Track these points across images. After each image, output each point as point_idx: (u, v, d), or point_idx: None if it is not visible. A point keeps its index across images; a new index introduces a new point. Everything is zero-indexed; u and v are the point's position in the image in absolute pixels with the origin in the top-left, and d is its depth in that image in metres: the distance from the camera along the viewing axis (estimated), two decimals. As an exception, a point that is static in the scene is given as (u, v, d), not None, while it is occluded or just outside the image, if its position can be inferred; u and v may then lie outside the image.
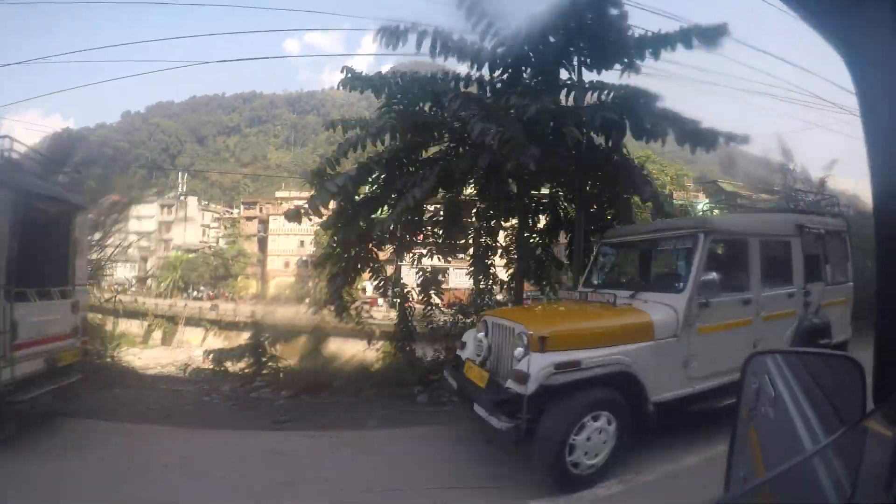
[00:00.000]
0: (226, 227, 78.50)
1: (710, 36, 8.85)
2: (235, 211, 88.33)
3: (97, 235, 14.09)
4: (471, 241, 12.89)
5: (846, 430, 1.67)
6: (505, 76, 10.46)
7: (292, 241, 70.87)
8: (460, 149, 10.65)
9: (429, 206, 12.48)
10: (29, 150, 8.71)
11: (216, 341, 34.95)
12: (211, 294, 65.11)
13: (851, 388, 1.71)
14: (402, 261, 13.19)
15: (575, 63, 10.24)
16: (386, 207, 10.63)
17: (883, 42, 1.39)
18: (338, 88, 10.79)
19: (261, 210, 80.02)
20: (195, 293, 65.85)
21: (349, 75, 10.54)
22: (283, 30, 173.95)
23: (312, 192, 9.26)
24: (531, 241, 12.46)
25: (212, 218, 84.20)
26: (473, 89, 10.88)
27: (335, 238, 11.18)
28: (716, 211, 51.34)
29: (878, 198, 1.53)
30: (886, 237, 1.60)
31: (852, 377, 1.73)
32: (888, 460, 1.40)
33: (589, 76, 10.31)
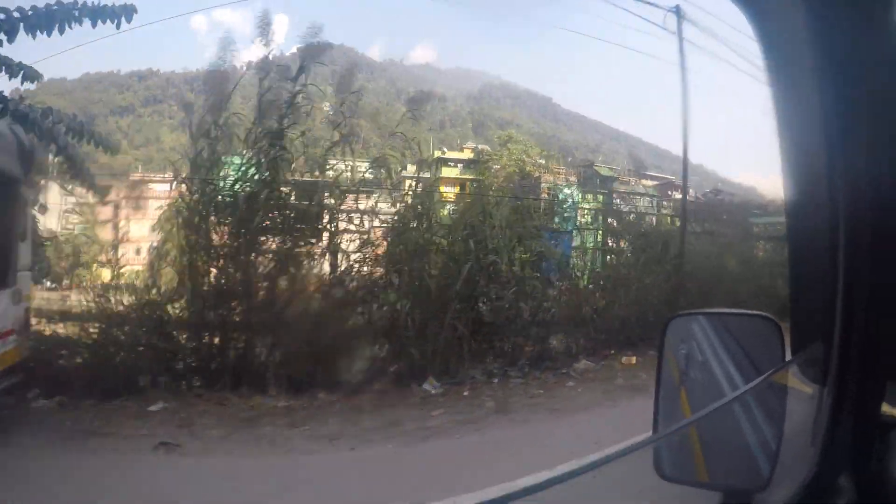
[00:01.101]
0: (81, 214, 76.38)
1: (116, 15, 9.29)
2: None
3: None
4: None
5: (765, 378, 1.84)
6: None
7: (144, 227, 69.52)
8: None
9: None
10: None
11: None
12: (62, 284, 62.14)
13: (770, 346, 1.85)
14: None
15: None
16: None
17: (794, 16, 1.47)
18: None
19: (117, 194, 76.87)
20: (49, 283, 62.93)
21: None
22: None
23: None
24: None
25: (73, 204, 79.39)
26: None
27: None
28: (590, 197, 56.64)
29: (789, 181, 1.66)
30: (794, 221, 1.78)
31: (770, 335, 1.86)
32: (811, 416, 1.62)
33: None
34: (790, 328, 1.81)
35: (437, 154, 59.88)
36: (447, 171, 57.17)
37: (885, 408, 1.57)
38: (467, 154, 57.64)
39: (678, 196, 61.96)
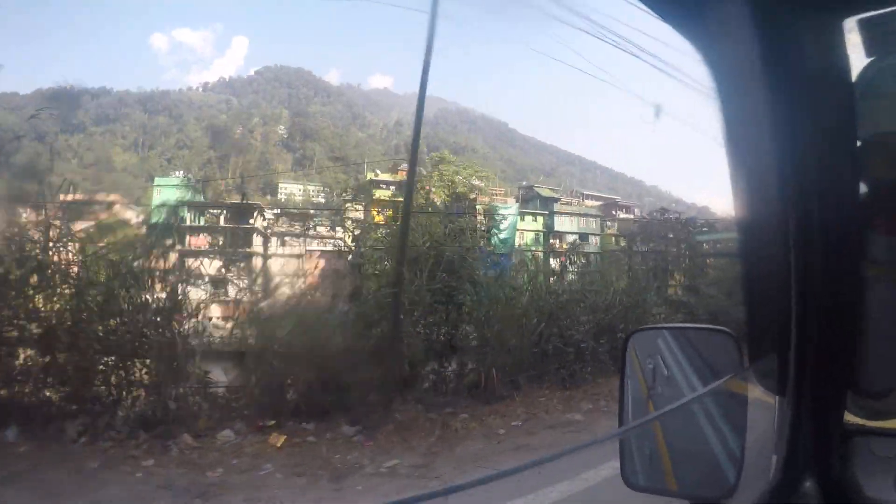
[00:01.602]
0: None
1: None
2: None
3: None
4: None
5: (722, 383, 1.94)
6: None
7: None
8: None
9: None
10: None
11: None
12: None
13: (730, 359, 1.93)
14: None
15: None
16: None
17: (738, 40, 1.51)
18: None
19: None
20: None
21: None
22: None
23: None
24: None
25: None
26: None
27: None
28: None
29: (739, 199, 1.69)
30: (746, 238, 1.83)
31: (729, 348, 1.95)
32: (772, 425, 1.69)
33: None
34: (747, 342, 1.86)
35: (371, 176, 60.15)
36: (380, 194, 57.52)
37: (848, 416, 1.63)
38: (401, 177, 58.15)
39: (623, 216, 63.40)
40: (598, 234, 65.64)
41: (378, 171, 63.79)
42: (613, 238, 65.27)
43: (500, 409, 12.52)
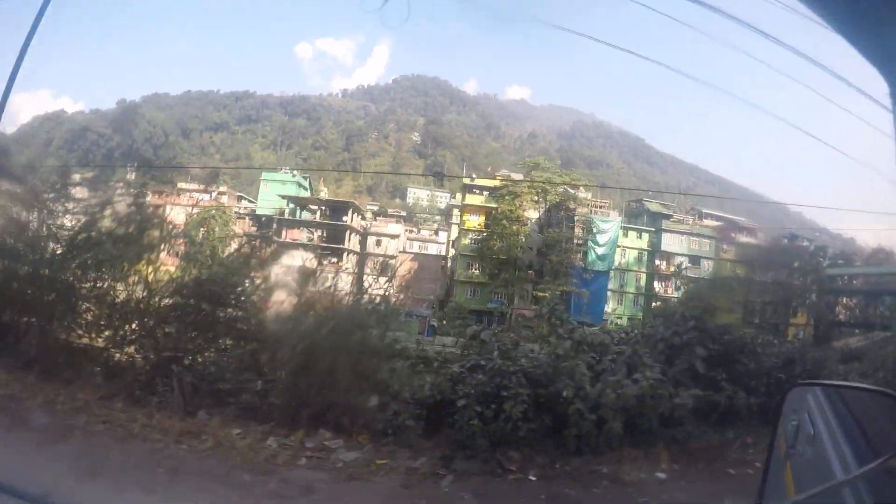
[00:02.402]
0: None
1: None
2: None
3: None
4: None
5: (881, 463, 1.70)
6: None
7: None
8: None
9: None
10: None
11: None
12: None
13: (891, 425, 1.81)
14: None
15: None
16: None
17: None
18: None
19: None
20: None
21: None
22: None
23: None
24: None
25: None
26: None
27: None
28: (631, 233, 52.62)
29: None
30: None
31: (892, 413, 1.83)
32: None
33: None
34: None
35: (466, 181, 58.26)
36: (472, 199, 55.41)
37: None
38: (499, 181, 55.96)
39: (745, 239, 58.04)
40: (711, 258, 60.56)
41: (474, 177, 61.95)
42: (729, 263, 60.05)
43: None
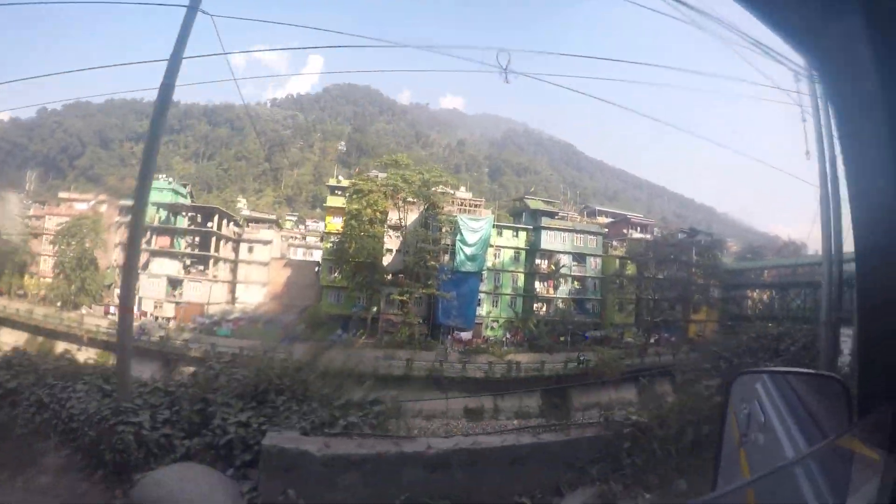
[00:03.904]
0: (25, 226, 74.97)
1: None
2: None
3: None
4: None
5: (829, 443, 1.79)
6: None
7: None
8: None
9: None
10: None
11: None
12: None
13: (836, 407, 1.78)
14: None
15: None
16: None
17: (856, 54, 1.45)
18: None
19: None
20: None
21: None
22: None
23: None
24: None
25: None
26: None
27: None
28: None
29: (860, 234, 1.60)
30: (865, 267, 1.67)
31: (837, 396, 1.80)
32: (876, 483, 1.49)
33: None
34: (857, 389, 1.72)
35: (332, 182, 55.88)
36: (333, 201, 53.12)
37: None
38: (356, 181, 53.75)
39: (638, 235, 56.68)
40: (599, 255, 59.10)
41: (340, 178, 59.71)
42: (618, 260, 58.65)
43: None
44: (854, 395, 1.71)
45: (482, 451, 5.77)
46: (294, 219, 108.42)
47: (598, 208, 78.27)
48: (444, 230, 51.56)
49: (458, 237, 51.00)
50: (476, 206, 59.16)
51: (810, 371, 3.25)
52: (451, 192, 56.83)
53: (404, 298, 47.13)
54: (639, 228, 64.32)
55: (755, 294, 65.98)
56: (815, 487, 1.67)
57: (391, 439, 6.04)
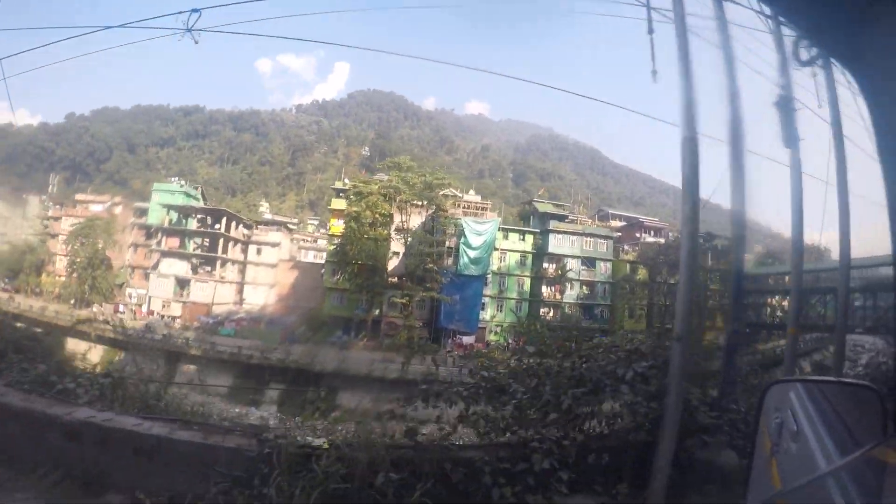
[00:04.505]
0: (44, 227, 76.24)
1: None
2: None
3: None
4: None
5: (863, 454, 1.75)
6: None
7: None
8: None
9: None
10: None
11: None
12: (6, 287, 63.44)
13: (870, 417, 1.79)
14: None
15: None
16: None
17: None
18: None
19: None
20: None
21: None
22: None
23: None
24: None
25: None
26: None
27: None
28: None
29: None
30: None
31: (871, 405, 1.81)
32: None
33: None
34: (893, 399, 2.20)
35: (339, 184, 55.70)
36: (337, 203, 52.93)
37: None
38: (360, 183, 53.58)
39: (649, 238, 55.44)
40: (609, 259, 58.08)
41: (347, 181, 59.59)
42: (629, 265, 57.63)
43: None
44: (889, 405, 1.70)
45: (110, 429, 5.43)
46: (316, 222, 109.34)
47: (611, 211, 77.08)
48: (447, 233, 51.10)
49: (462, 240, 50.47)
50: (483, 209, 58.47)
51: (844, 380, 3.14)
52: (459, 194, 56.47)
53: (405, 301, 46.79)
54: (652, 232, 63.04)
55: (774, 301, 64.09)
56: (846, 497, 1.65)
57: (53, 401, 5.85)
